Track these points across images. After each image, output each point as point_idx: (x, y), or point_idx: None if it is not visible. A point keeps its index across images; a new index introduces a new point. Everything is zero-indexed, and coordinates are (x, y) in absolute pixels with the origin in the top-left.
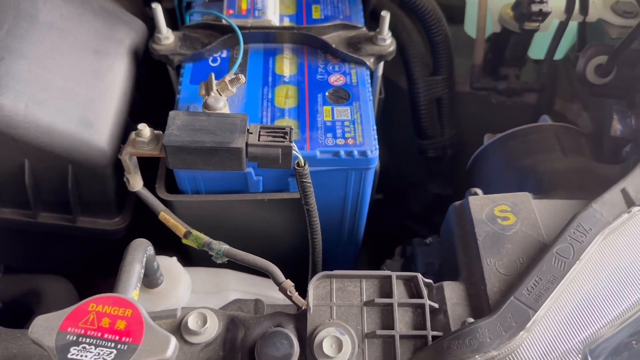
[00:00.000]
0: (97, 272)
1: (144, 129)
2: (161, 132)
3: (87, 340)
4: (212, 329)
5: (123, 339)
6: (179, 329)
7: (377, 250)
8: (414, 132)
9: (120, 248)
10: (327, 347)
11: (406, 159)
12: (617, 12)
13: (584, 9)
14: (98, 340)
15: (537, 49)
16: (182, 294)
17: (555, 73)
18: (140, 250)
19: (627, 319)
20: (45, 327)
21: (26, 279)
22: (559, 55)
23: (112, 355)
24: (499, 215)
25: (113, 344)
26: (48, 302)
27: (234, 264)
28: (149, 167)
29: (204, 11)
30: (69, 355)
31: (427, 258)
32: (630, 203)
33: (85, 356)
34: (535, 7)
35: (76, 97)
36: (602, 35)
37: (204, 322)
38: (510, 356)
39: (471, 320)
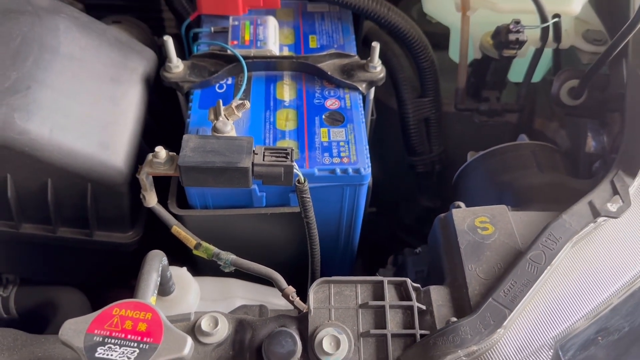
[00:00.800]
0: (109, 282)
1: (161, 151)
2: (175, 154)
3: (112, 340)
4: (223, 330)
5: (144, 339)
6: (193, 331)
7: (372, 259)
8: (405, 149)
9: (132, 260)
10: (327, 345)
11: (398, 174)
12: (588, 39)
13: (558, 37)
14: (122, 341)
15: (516, 73)
16: (192, 301)
17: (534, 94)
18: (157, 260)
19: (593, 318)
20: (74, 329)
21: (42, 290)
22: (536, 78)
23: (135, 354)
24: (479, 225)
25: (136, 344)
26: (63, 312)
27: (238, 273)
28: (159, 184)
29: (210, 42)
30: (97, 355)
31: (417, 266)
32: (596, 214)
33: (111, 355)
34: (512, 36)
35: (95, 121)
36: (574, 61)
37: (216, 324)
38: (489, 351)
39: (454, 319)
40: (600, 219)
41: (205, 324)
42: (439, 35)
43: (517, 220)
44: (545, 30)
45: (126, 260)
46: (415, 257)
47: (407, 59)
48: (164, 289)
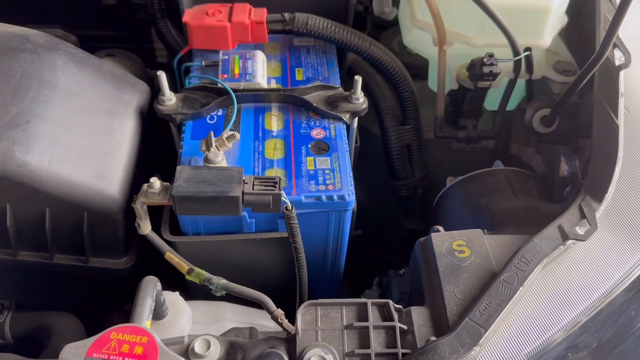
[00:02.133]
0: (103, 307)
1: (155, 182)
2: (169, 184)
3: None
4: (215, 352)
5: None
6: (187, 353)
7: (358, 280)
8: (388, 174)
9: (125, 285)
10: None
11: (382, 198)
12: (558, 70)
13: (530, 69)
14: None
15: (492, 102)
16: (184, 325)
17: (510, 121)
18: (151, 286)
19: (564, 335)
20: (74, 353)
21: (37, 315)
22: (511, 106)
23: None
24: (457, 249)
25: None
26: (58, 337)
27: (229, 297)
28: (152, 210)
29: (202, 76)
30: None
31: (401, 287)
32: (565, 237)
33: None
34: (486, 69)
35: (92, 153)
36: (546, 90)
37: (208, 346)
38: None
39: (434, 338)
40: (569, 242)
41: (198, 346)
42: (419, 66)
43: (491, 243)
44: (517, 63)
45: (120, 285)
46: (400, 278)
47: (389, 89)
48: (158, 313)
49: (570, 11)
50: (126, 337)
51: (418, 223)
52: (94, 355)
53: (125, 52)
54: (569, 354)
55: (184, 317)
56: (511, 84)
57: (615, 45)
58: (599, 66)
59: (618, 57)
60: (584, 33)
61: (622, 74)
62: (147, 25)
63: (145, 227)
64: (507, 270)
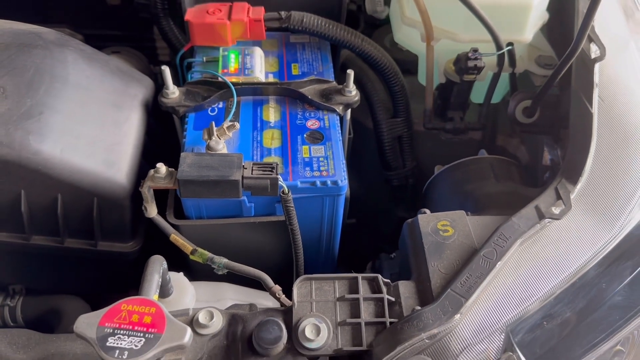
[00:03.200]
0: (110, 290)
1: (161, 167)
2: (174, 169)
3: (121, 332)
4: (218, 323)
5: (149, 330)
6: (192, 324)
7: (354, 266)
8: (380, 165)
9: (131, 268)
10: (309, 333)
11: (375, 188)
12: (540, 64)
13: (512, 63)
14: (130, 332)
15: (478, 95)
16: (188, 303)
17: (496, 113)
18: (158, 264)
19: (539, 306)
20: (87, 323)
21: (47, 299)
22: (496, 99)
23: (142, 343)
24: (441, 228)
25: (142, 334)
26: (67, 319)
27: (230, 278)
28: (157, 198)
29: (203, 70)
30: (108, 344)
31: (392, 269)
32: (541, 216)
33: (121, 344)
34: (471, 63)
35: (100, 142)
36: (529, 83)
37: (211, 317)
38: (449, 335)
39: (419, 308)
40: (545, 221)
41: (202, 317)
42: (409, 62)
43: (474, 223)
44: (501, 57)
45: (126, 269)
46: (390, 261)
47: (381, 83)
48: (164, 291)
49: (552, 8)
50: (135, 308)
51: (409, 211)
52: (106, 324)
53: (130, 49)
54: (544, 323)
55: (188, 295)
56: (495, 78)
57: (591, 40)
58: (577, 59)
59: (594, 51)
60: (564, 29)
61: (597, 66)
62: (150, 25)
63: (152, 210)
64: (487, 246)
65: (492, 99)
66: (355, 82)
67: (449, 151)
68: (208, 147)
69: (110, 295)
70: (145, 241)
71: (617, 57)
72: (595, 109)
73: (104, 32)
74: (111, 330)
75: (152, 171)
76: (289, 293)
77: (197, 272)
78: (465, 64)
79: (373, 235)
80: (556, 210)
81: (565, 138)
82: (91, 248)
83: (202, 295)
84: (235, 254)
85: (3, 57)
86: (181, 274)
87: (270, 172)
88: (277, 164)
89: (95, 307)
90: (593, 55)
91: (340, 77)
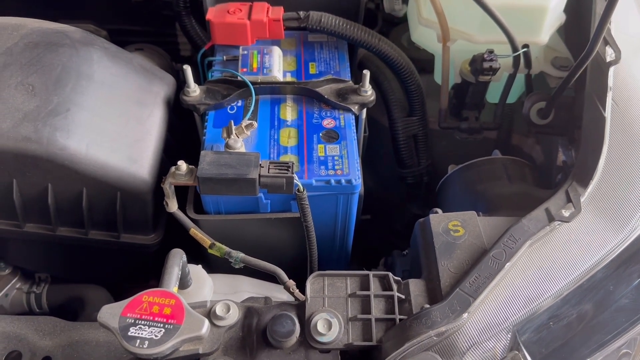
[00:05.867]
0: (130, 280)
1: (182, 165)
2: (194, 167)
3: (142, 322)
4: (234, 315)
5: (169, 321)
6: (209, 315)
7: (366, 262)
8: (396, 163)
9: (151, 261)
10: (321, 327)
11: (389, 185)
12: (555, 65)
13: (528, 64)
14: (150, 322)
15: (493, 94)
16: (206, 294)
17: (512, 113)
18: (178, 257)
19: (546, 307)
20: (110, 313)
21: (71, 288)
22: (511, 99)
23: (162, 333)
24: (452, 228)
25: (162, 325)
26: (91, 307)
27: (246, 271)
28: (177, 193)
29: (223, 69)
30: (129, 334)
31: (404, 266)
32: (551, 219)
33: (142, 334)
34: (486, 64)
35: (124, 139)
36: (544, 85)
37: (228, 310)
38: (456, 332)
39: (427, 306)
40: (554, 223)
41: (219, 309)
42: (425, 61)
43: (484, 224)
44: (516, 59)
45: (147, 260)
46: (403, 258)
47: (397, 82)
48: (183, 283)
49: (569, 9)
50: (156, 300)
51: (423, 209)
52: (128, 314)
53: (153, 47)
54: (551, 323)
55: (206, 287)
56: (510, 79)
57: (607, 43)
58: (592, 62)
59: (609, 54)
60: (581, 30)
61: (611, 69)
62: (172, 21)
63: (173, 206)
64: (497, 247)
65: (507, 99)
66: (371, 80)
67: (463, 150)
68: (227, 145)
69: (131, 285)
70: (165, 233)
71: (633, 61)
72: (608, 113)
73: (127, 27)
74: (133, 321)
75: (173, 168)
76: (302, 287)
77: (215, 265)
78: (480, 65)
79: (386, 231)
80: (566, 213)
81: (579, 139)
82: (114, 240)
83: (220, 288)
84: (251, 248)
85: (32, 55)
86: (199, 266)
87: (286, 171)
88: (292, 163)
89: (117, 295)
90: (608, 59)
91: (358, 75)
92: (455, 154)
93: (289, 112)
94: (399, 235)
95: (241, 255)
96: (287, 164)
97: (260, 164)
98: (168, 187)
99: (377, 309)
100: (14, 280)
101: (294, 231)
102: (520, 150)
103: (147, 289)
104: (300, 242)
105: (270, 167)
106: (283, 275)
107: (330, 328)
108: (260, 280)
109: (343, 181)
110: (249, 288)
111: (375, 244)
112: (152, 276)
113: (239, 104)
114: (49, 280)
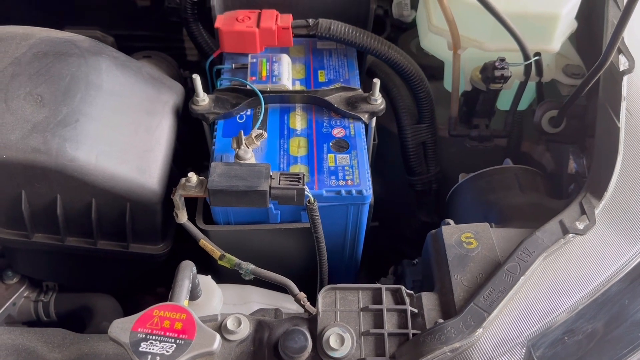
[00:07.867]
0: (138, 289)
1: (192, 177)
2: (204, 179)
3: (153, 337)
4: (245, 329)
5: (180, 336)
6: (220, 329)
7: (375, 269)
8: (405, 170)
9: (159, 270)
10: (333, 342)
11: (398, 192)
12: (567, 73)
13: (539, 72)
14: (162, 337)
15: (504, 102)
16: (216, 305)
17: (522, 120)
18: (189, 269)
19: (561, 321)
20: (121, 328)
21: (79, 296)
22: (522, 107)
23: (173, 348)
24: (465, 240)
25: (173, 340)
26: (99, 316)
27: (256, 281)
28: (186, 202)
29: (232, 78)
30: (140, 349)
31: (414, 276)
32: (565, 231)
33: (153, 349)
34: (497, 72)
35: (133, 149)
36: (556, 92)
37: (239, 324)
38: (470, 348)
39: (441, 321)
40: (569, 236)
41: (230, 323)
42: (435, 68)
43: (497, 236)
44: (527, 67)
45: (155, 269)
46: (413, 267)
47: (406, 89)
48: (193, 294)
49: (581, 16)
50: (167, 314)
51: (432, 216)
52: (139, 329)
53: (161, 54)
54: (566, 338)
55: (216, 298)
56: (522, 86)
57: (620, 51)
58: (604, 71)
59: (623, 63)
60: (593, 38)
61: (625, 78)
62: (179, 27)
63: (183, 217)
64: (511, 260)
65: (518, 107)
66: (380, 87)
67: (473, 158)
68: (237, 156)
69: (138, 296)
70: (174, 243)
71: None
72: (622, 123)
73: (134, 32)
74: (144, 336)
75: (183, 180)
76: (313, 298)
77: (224, 274)
78: (491, 73)
79: (395, 238)
80: (580, 226)
81: (591, 147)
82: (123, 250)
83: (229, 298)
84: (260, 258)
85: (41, 65)
86: (209, 277)
87: (297, 183)
88: (303, 175)
89: (125, 304)
90: (622, 68)
91: (367, 82)
92: (464, 161)
93: (298, 121)
94: (408, 242)
95: (251, 267)
96: (298, 175)
97: (271, 176)
98: (178, 198)
99: (389, 324)
100: (21, 289)
101: (303, 241)
102: (530, 158)
103: (154, 296)
104: (309, 253)
105: (281, 178)
106: (294, 287)
107: (342, 343)
108: (270, 290)
109: (354, 192)
110: (259, 298)
111: (383, 251)
112: (161, 285)
113: (248, 112)
114: (56, 288)
